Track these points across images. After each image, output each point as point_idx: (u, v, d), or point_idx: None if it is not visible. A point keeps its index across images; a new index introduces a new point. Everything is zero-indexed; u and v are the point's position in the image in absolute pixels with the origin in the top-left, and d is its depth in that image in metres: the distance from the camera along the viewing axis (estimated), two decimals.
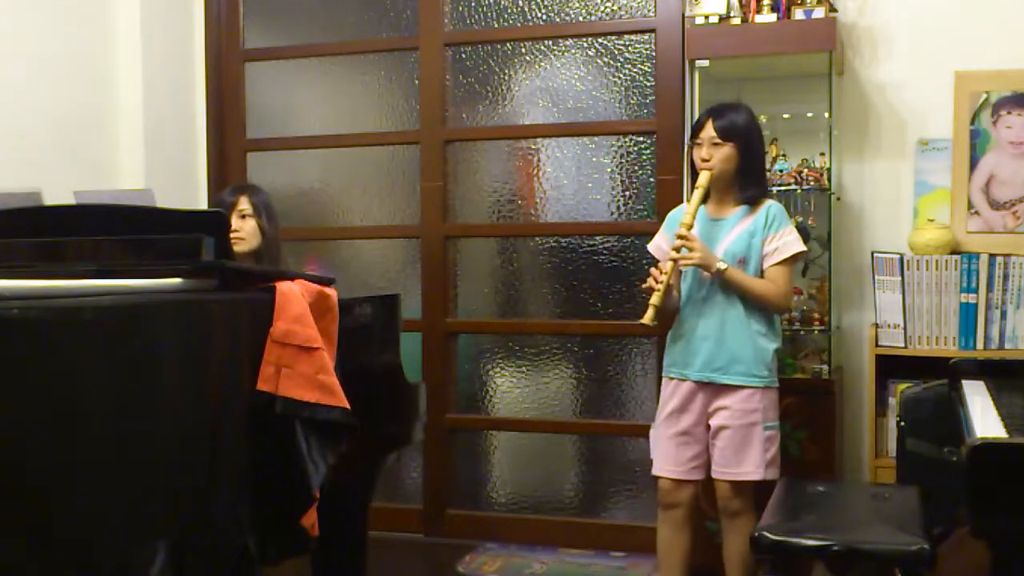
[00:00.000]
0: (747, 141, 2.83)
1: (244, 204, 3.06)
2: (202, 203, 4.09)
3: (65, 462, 1.42)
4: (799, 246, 2.83)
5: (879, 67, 3.42)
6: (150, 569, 1.52)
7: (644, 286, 2.81)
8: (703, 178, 2.82)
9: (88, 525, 1.45)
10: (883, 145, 3.43)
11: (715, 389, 2.83)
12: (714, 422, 2.84)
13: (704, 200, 2.89)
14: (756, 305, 2.81)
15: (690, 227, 2.79)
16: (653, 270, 2.79)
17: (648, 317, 2.73)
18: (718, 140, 2.81)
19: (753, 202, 2.86)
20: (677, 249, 2.76)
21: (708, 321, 2.84)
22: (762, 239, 2.82)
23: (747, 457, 2.78)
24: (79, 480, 1.44)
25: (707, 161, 2.82)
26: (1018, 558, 1.81)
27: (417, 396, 2.68)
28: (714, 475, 2.84)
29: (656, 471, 2.94)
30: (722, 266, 2.76)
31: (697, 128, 2.88)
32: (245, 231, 3.03)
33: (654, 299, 2.74)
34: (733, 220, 2.86)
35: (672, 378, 2.92)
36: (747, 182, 2.85)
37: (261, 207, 3.08)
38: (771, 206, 2.85)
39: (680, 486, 2.90)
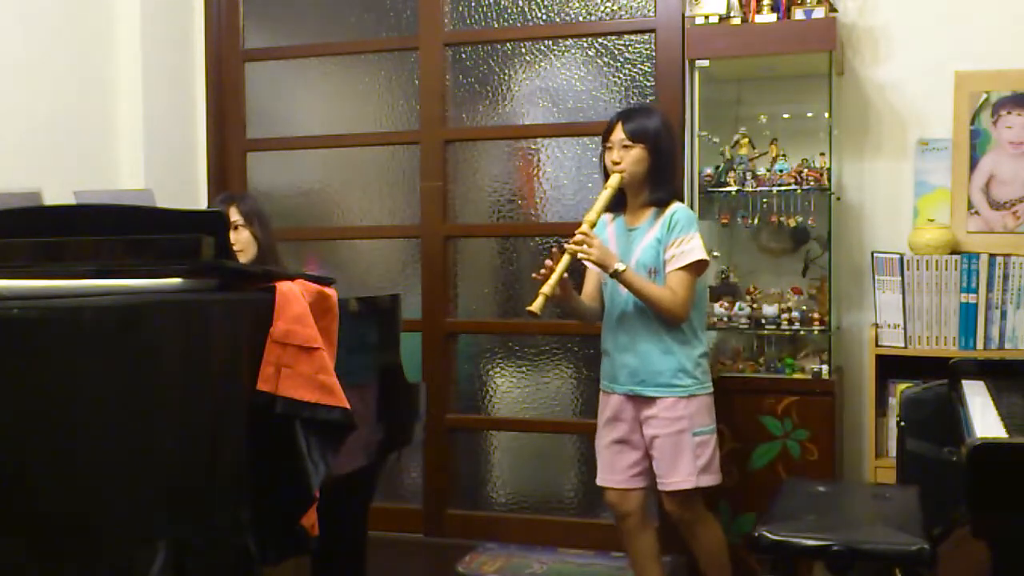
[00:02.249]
0: (657, 143, 2.82)
1: (235, 215, 3.04)
2: (202, 203, 4.09)
3: (65, 462, 1.42)
4: (699, 254, 2.77)
5: (879, 67, 3.42)
6: (150, 569, 1.52)
7: (534, 276, 2.77)
8: (614, 179, 2.82)
9: (88, 525, 1.45)
10: (883, 145, 3.43)
11: (642, 400, 2.83)
12: (647, 432, 2.84)
13: (618, 208, 2.90)
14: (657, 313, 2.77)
15: (593, 224, 2.78)
16: (548, 260, 2.76)
17: (536, 305, 2.68)
18: (628, 142, 2.81)
19: (661, 204, 2.83)
20: (578, 243, 2.73)
21: (625, 335, 2.84)
22: (664, 245, 2.79)
23: (679, 466, 2.78)
24: (79, 480, 1.44)
25: (618, 164, 2.82)
26: (1018, 558, 1.80)
27: (417, 396, 2.68)
28: (658, 487, 2.85)
29: (599, 481, 2.96)
30: (620, 267, 2.73)
31: (607, 132, 2.88)
32: (240, 242, 3.02)
33: (544, 288, 2.71)
34: (644, 229, 2.85)
35: (604, 391, 2.94)
36: (657, 184, 2.83)
37: (252, 215, 3.07)
38: (676, 211, 2.81)
39: (625, 495, 2.91)
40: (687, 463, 2.77)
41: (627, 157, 2.81)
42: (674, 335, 2.80)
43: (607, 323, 2.92)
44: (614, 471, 2.91)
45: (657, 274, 2.80)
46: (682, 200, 2.87)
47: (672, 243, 2.78)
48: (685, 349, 2.80)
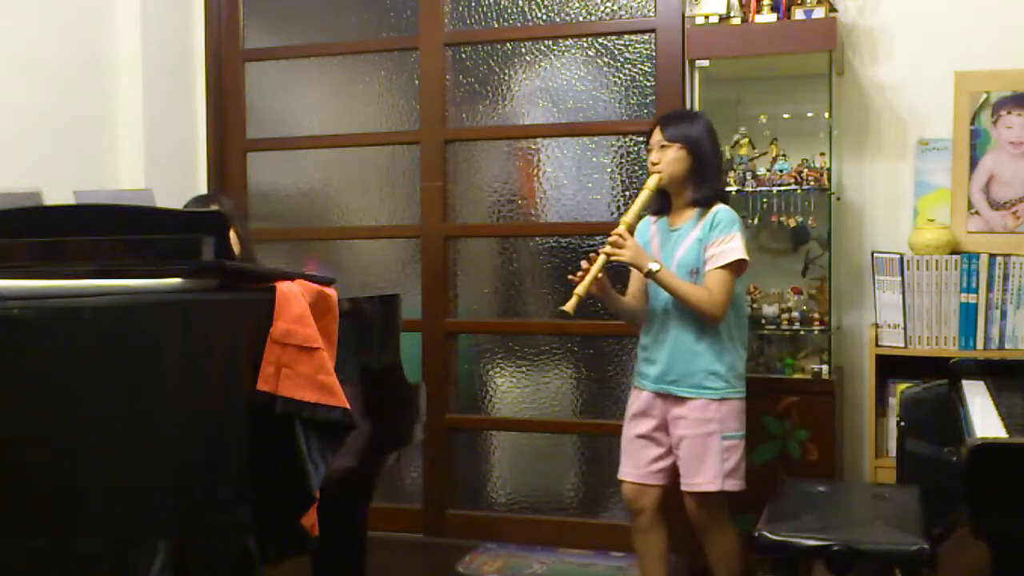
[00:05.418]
0: (696, 144, 2.83)
1: None
2: None
3: (65, 462, 1.42)
4: (739, 254, 2.75)
5: (879, 67, 3.42)
6: (150, 569, 1.52)
7: (570, 277, 2.77)
8: (651, 180, 2.84)
9: (88, 525, 1.45)
10: (883, 145, 3.43)
11: (672, 399, 2.82)
12: (674, 432, 2.83)
13: (660, 210, 2.92)
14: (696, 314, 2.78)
15: (630, 226, 2.79)
16: (583, 261, 2.77)
17: (569, 305, 2.70)
18: (665, 143, 2.83)
19: (704, 204, 2.82)
20: (614, 244, 2.75)
21: (664, 333, 2.84)
22: (705, 244, 2.79)
23: (704, 468, 2.77)
24: (79, 480, 1.44)
25: (656, 164, 2.84)
26: (1018, 558, 1.81)
27: (417, 396, 2.68)
28: (681, 487, 2.85)
29: (619, 474, 2.95)
30: (654, 267, 2.74)
31: (648, 135, 2.91)
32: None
33: (578, 288, 2.71)
34: (687, 229, 2.85)
35: (635, 386, 2.94)
36: (699, 183, 2.83)
37: (232, 214, 3.06)
38: (718, 211, 2.80)
39: (642, 491, 2.89)
40: (713, 466, 2.76)
41: (664, 157, 2.83)
42: (711, 337, 2.78)
43: (647, 321, 2.92)
44: (635, 466, 2.90)
45: (698, 274, 2.79)
46: (726, 201, 2.86)
47: (713, 242, 2.77)
48: (721, 352, 2.79)
